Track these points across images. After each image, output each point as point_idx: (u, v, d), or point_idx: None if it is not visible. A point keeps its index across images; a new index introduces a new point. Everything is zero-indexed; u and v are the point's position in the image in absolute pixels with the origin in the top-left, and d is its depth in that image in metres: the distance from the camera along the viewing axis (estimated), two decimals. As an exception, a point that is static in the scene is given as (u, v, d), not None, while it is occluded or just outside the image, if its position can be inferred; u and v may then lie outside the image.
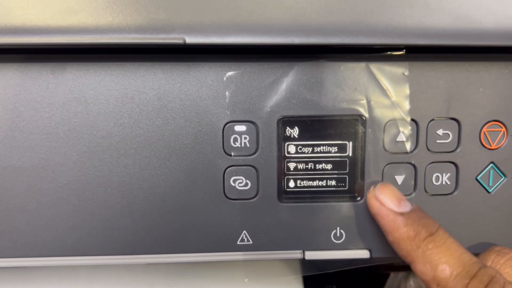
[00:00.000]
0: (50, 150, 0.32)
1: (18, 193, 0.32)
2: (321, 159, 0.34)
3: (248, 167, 0.33)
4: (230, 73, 0.32)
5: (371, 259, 0.35)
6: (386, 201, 0.32)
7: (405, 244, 0.31)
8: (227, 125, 0.33)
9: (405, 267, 0.57)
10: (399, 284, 0.64)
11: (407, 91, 0.33)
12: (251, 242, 0.34)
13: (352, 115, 0.33)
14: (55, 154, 0.32)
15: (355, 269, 0.40)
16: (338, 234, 0.35)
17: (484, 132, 0.34)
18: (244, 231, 0.34)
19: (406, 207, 0.32)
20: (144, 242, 0.34)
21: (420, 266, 0.30)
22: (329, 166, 0.34)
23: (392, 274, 0.62)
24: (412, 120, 0.33)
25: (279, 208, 0.34)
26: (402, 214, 0.32)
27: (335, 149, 0.34)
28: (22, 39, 0.29)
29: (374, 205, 0.33)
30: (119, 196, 0.33)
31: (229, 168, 0.33)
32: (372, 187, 0.34)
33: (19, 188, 0.32)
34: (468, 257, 0.30)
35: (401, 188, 0.34)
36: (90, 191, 0.33)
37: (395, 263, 0.56)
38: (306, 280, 0.46)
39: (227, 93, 0.32)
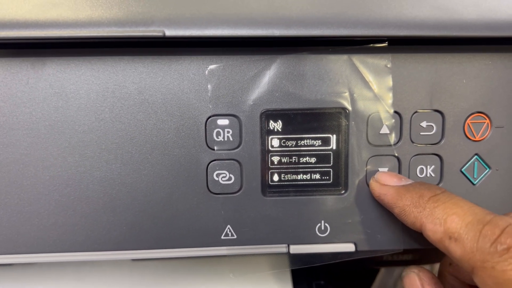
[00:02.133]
0: (31, 145, 0.32)
1: (-2, 189, 0.32)
2: (305, 153, 0.34)
3: (232, 161, 0.33)
4: (212, 67, 0.32)
5: (356, 252, 0.35)
6: (386, 180, 0.33)
7: (411, 209, 0.30)
8: (210, 119, 0.32)
9: (394, 263, 0.57)
10: (395, 282, 0.64)
11: (390, 83, 0.33)
12: (235, 237, 0.34)
13: (335, 108, 0.33)
14: (36, 150, 0.32)
15: (344, 265, 0.40)
16: (322, 228, 0.34)
17: (468, 124, 0.34)
18: (228, 226, 0.34)
19: (407, 181, 0.32)
20: (127, 238, 0.33)
21: (430, 225, 0.29)
22: (313, 160, 0.34)
23: (383, 270, 0.62)
24: (396, 112, 0.33)
25: (263, 202, 0.34)
26: (403, 185, 0.32)
27: (318, 142, 0.34)
28: (1, 33, 0.28)
29: (375, 187, 0.33)
30: (101, 192, 0.33)
31: (212, 162, 0.33)
32: (372, 176, 0.34)
33: (0, 184, 0.32)
34: (479, 208, 0.28)
35: (385, 180, 0.34)
36: (71, 187, 0.32)
37: (384, 258, 0.56)
38: (295, 277, 0.46)
39: (209, 86, 0.32)
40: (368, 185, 0.34)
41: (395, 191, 0.31)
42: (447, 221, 0.28)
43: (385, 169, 0.34)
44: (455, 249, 0.27)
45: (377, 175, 0.33)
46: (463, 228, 0.27)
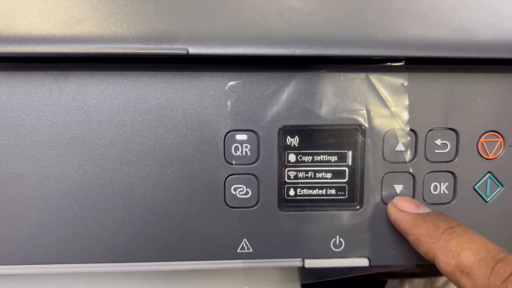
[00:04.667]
0: (52, 157, 0.32)
1: (20, 200, 0.33)
2: (321, 168, 0.34)
3: (249, 175, 0.34)
4: (231, 83, 0.32)
5: (370, 267, 0.36)
6: (404, 206, 0.33)
7: (425, 239, 0.31)
8: (228, 134, 0.33)
9: (403, 275, 0.58)
10: (395, 290, 0.64)
11: (406, 102, 0.33)
12: (251, 250, 0.35)
13: (352, 124, 0.33)
14: (57, 162, 0.32)
15: (353, 277, 0.41)
16: (337, 243, 0.35)
17: (482, 142, 0.34)
18: (245, 239, 0.34)
19: (424, 210, 0.33)
20: (145, 250, 0.34)
21: (442, 257, 0.29)
22: (329, 175, 0.34)
23: (389, 281, 0.62)
24: (411, 130, 0.34)
25: (279, 216, 0.34)
26: (420, 214, 0.32)
27: (335, 158, 0.34)
28: (26, 48, 0.29)
29: (393, 211, 0.33)
30: (120, 204, 0.33)
31: (230, 177, 0.34)
32: (390, 200, 0.34)
33: (21, 195, 0.33)
34: (492, 245, 0.28)
35: (400, 197, 0.34)
36: (91, 199, 0.33)
37: (392, 271, 0.56)
38: (304, 286, 0.46)
39: (228, 102, 0.33)
40: (383, 201, 0.34)
41: (411, 219, 0.32)
42: (460, 255, 0.28)
43: (402, 190, 0.34)
44: (466, 283, 0.28)
45: (395, 200, 0.34)
46: (476, 264, 0.27)
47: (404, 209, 0.33)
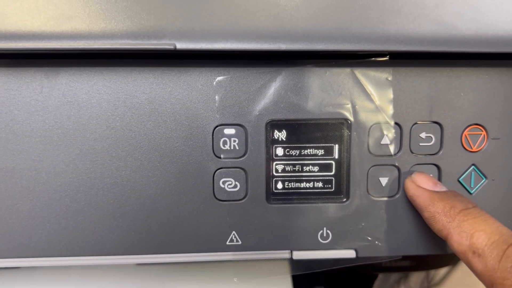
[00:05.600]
0: (43, 152, 0.33)
1: (12, 195, 0.33)
2: (308, 162, 0.35)
3: (237, 169, 0.34)
4: (219, 78, 0.33)
5: (357, 258, 0.36)
6: (422, 182, 0.34)
7: (440, 217, 0.31)
8: (217, 128, 0.34)
9: (391, 269, 0.58)
10: None
11: (391, 96, 0.34)
12: (240, 243, 0.35)
13: (338, 119, 0.34)
14: (49, 157, 0.33)
15: (344, 271, 0.41)
16: (324, 234, 0.36)
17: (465, 135, 0.35)
18: (234, 232, 0.35)
19: (442, 188, 0.34)
20: (135, 243, 0.34)
21: (456, 237, 0.30)
22: (315, 168, 0.35)
23: (380, 276, 0.63)
24: (396, 123, 0.35)
25: (267, 209, 0.35)
26: (437, 191, 0.33)
27: (321, 151, 0.35)
28: (17, 44, 0.29)
29: (410, 186, 0.34)
30: (111, 198, 0.34)
31: (218, 170, 0.34)
32: (408, 175, 0.35)
33: (13, 189, 0.33)
34: (505, 229, 0.29)
35: (385, 189, 0.35)
36: (82, 193, 0.33)
37: (383, 265, 0.57)
38: (295, 281, 0.47)
39: (216, 97, 0.33)
40: (368, 193, 0.35)
41: (428, 196, 0.33)
42: (474, 236, 0.29)
43: (387, 182, 0.35)
44: (477, 264, 0.28)
45: (414, 175, 0.35)
46: (488, 246, 0.28)
47: (422, 185, 0.34)
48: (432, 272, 0.63)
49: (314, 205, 0.35)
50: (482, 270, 0.28)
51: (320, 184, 0.35)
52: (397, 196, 0.35)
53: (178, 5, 0.30)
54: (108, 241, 0.34)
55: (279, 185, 0.35)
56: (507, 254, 0.27)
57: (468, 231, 0.30)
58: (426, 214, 0.33)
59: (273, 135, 0.34)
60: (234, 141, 0.34)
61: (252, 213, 0.35)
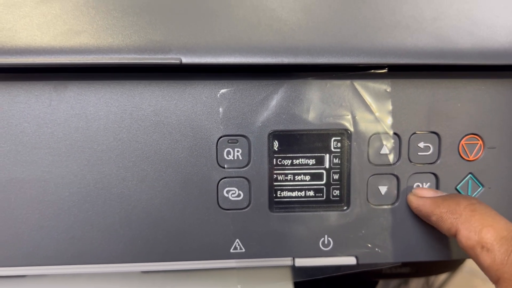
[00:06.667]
0: (52, 163, 0.34)
1: (21, 205, 0.34)
2: (309, 171, 0.36)
3: (241, 178, 0.35)
4: (223, 91, 0.34)
5: (357, 265, 0.37)
6: (424, 193, 0.35)
7: (448, 215, 0.32)
8: (221, 139, 0.35)
9: (391, 275, 0.59)
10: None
11: (390, 107, 0.35)
12: (243, 250, 0.36)
13: (338, 129, 0.35)
14: (57, 167, 0.34)
15: (345, 277, 0.42)
16: (326, 242, 0.36)
17: (463, 145, 0.36)
18: (237, 240, 0.36)
19: (442, 193, 0.35)
20: (141, 251, 0.35)
21: (464, 231, 0.31)
22: (317, 177, 0.36)
23: (380, 282, 0.63)
24: (395, 133, 0.35)
25: (270, 217, 0.36)
26: (439, 196, 0.34)
27: (322, 161, 0.36)
28: (27, 59, 0.30)
29: (413, 199, 0.35)
30: (117, 207, 0.35)
31: (222, 180, 0.35)
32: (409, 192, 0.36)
33: (23, 199, 0.34)
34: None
35: (385, 197, 0.36)
36: (90, 203, 0.34)
37: (383, 271, 0.57)
38: (297, 287, 0.48)
39: (220, 109, 0.34)
40: (368, 201, 0.36)
41: (432, 201, 0.34)
42: (483, 231, 0.30)
43: (387, 191, 0.36)
44: (485, 259, 0.29)
45: (414, 190, 0.36)
46: (497, 241, 0.29)
47: (423, 195, 0.35)
48: (432, 278, 0.64)
49: (315, 213, 0.36)
50: (490, 264, 0.29)
51: (321, 193, 0.36)
52: (396, 204, 0.36)
53: (183, 21, 0.31)
54: (115, 249, 0.35)
55: (281, 194, 0.36)
56: None
57: (477, 226, 0.30)
58: (433, 218, 0.33)
59: (275, 146, 0.35)
60: (238, 151, 0.35)
61: (255, 221, 0.36)
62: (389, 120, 0.35)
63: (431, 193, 0.35)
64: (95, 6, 0.31)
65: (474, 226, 0.30)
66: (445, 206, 0.33)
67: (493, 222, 0.30)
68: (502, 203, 0.37)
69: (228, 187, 0.35)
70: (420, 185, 0.36)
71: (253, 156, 0.35)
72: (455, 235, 0.32)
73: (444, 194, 0.35)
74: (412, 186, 0.36)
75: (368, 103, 0.35)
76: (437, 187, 0.37)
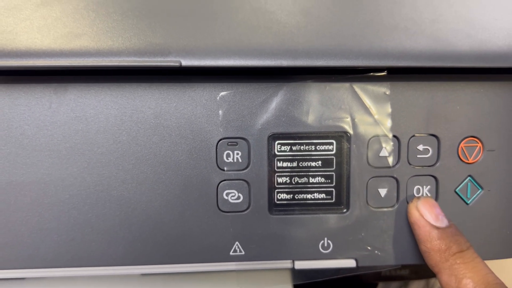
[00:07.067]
0: (52, 166, 0.34)
1: (21, 207, 0.34)
2: (309, 173, 0.36)
3: (240, 181, 0.35)
4: (223, 93, 0.34)
5: (357, 268, 0.37)
6: (426, 213, 0.35)
7: (436, 255, 0.33)
8: (220, 141, 0.35)
9: (391, 278, 0.59)
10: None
11: (389, 109, 0.35)
12: (243, 253, 0.36)
13: (338, 132, 0.35)
14: (57, 170, 0.34)
15: (345, 279, 0.42)
16: (325, 244, 0.36)
17: (462, 147, 0.36)
18: (237, 242, 0.36)
19: (443, 222, 0.34)
20: (141, 253, 0.35)
21: (446, 277, 0.32)
22: (316, 180, 0.36)
23: (380, 284, 0.63)
24: (394, 136, 0.36)
25: (269, 220, 0.36)
26: (437, 228, 0.34)
27: (322, 163, 0.36)
28: (27, 62, 0.31)
29: (414, 214, 0.35)
30: (117, 210, 0.35)
31: (222, 182, 0.35)
32: (415, 198, 0.36)
33: (23, 202, 0.34)
34: (492, 277, 0.32)
35: (384, 200, 0.36)
36: (90, 205, 0.34)
37: (382, 274, 0.57)
38: (297, 290, 0.48)
39: (220, 111, 0.34)
40: (368, 204, 0.36)
41: (428, 231, 0.34)
42: (461, 282, 0.31)
43: (386, 193, 0.36)
44: None
45: (419, 202, 0.35)
46: None
47: (425, 217, 0.35)
48: (432, 280, 0.64)
49: (315, 216, 0.36)
50: None
51: (320, 196, 0.36)
52: (396, 206, 0.36)
53: (183, 24, 0.32)
54: (114, 252, 0.35)
55: (281, 197, 0.36)
56: None
57: (457, 275, 0.32)
58: (422, 248, 0.34)
59: (274, 148, 0.35)
60: (237, 154, 0.35)
61: (255, 224, 0.36)
62: (388, 123, 0.35)
63: (432, 217, 0.35)
64: (95, 9, 0.32)
65: (455, 275, 0.32)
66: (436, 245, 0.33)
67: (474, 274, 0.31)
68: (501, 206, 0.37)
69: (228, 189, 0.35)
70: (420, 188, 0.36)
71: (252, 158, 0.35)
72: (436, 274, 0.33)
73: (444, 224, 0.34)
74: (412, 189, 0.36)
75: (368, 106, 0.35)
76: (437, 190, 0.37)
